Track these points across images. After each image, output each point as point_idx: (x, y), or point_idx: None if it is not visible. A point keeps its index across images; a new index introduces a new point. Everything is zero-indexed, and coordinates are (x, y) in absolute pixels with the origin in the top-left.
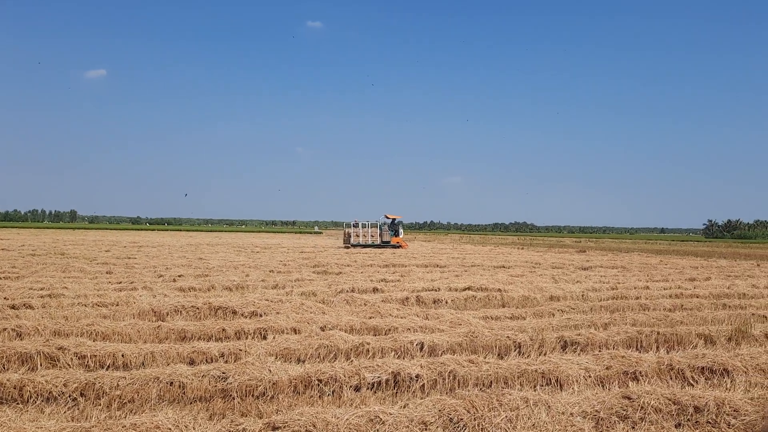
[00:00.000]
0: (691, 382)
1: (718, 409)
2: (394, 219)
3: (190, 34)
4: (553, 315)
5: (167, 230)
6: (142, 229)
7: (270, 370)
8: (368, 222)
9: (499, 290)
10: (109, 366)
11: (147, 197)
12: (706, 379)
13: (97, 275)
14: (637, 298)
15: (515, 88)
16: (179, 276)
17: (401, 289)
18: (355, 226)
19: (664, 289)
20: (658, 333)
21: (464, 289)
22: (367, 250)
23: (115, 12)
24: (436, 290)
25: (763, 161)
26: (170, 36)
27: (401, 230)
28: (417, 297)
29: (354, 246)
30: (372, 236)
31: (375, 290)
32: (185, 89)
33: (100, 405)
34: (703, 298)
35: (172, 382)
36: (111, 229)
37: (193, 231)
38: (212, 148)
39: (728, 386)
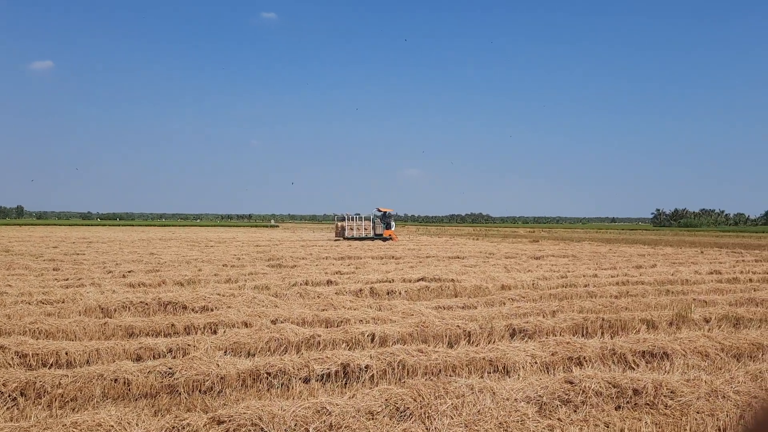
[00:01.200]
0: (633, 365)
1: (656, 391)
2: (385, 212)
3: (139, 24)
4: (504, 304)
5: (119, 225)
6: (92, 225)
7: (218, 365)
8: (362, 215)
9: (453, 280)
10: (51, 364)
11: (98, 192)
12: (646, 363)
13: (43, 272)
14: (586, 285)
15: (470, 80)
16: (129, 272)
17: (355, 281)
18: (350, 219)
19: (612, 276)
20: (603, 319)
21: (418, 280)
22: (361, 243)
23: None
24: (390, 282)
25: (709, 152)
26: (120, 27)
27: (393, 223)
28: (371, 289)
29: (348, 239)
30: (365, 229)
31: (329, 283)
32: (136, 81)
33: (41, 404)
34: (648, 285)
35: (116, 379)
36: (60, 225)
37: (145, 226)
38: (165, 142)
39: (667, 369)
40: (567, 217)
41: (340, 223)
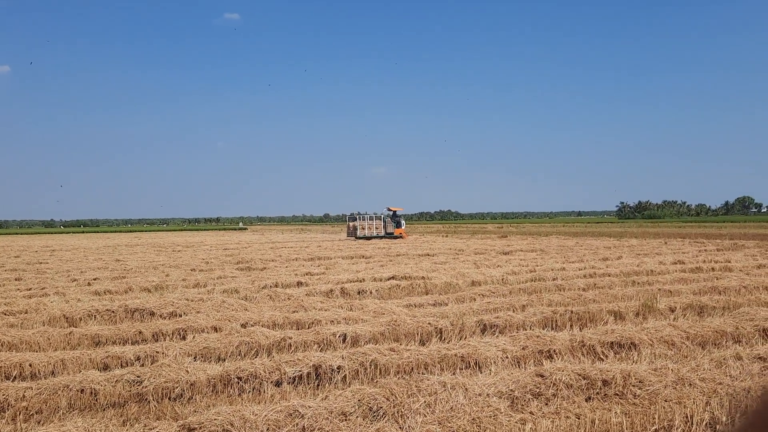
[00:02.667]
0: (602, 357)
1: (624, 381)
2: (395, 211)
3: (99, 26)
4: (474, 300)
5: (83, 233)
6: (56, 233)
7: (188, 371)
8: (374, 215)
9: (423, 278)
10: (15, 377)
11: (61, 199)
12: (615, 353)
13: (5, 282)
14: (554, 279)
15: (436, 77)
16: (94, 279)
17: (326, 281)
18: (361, 218)
19: (579, 269)
20: (572, 312)
21: (389, 279)
22: (362, 242)
23: (19, 6)
24: (360, 281)
25: (670, 145)
26: (80, 30)
27: (403, 222)
28: (341, 289)
29: (360, 238)
30: (377, 228)
31: (299, 284)
32: (96, 85)
33: (4, 418)
34: (615, 277)
35: (83, 390)
36: (21, 234)
37: (111, 232)
38: (129, 146)
39: (635, 359)
40: (534, 212)
41: (352, 223)
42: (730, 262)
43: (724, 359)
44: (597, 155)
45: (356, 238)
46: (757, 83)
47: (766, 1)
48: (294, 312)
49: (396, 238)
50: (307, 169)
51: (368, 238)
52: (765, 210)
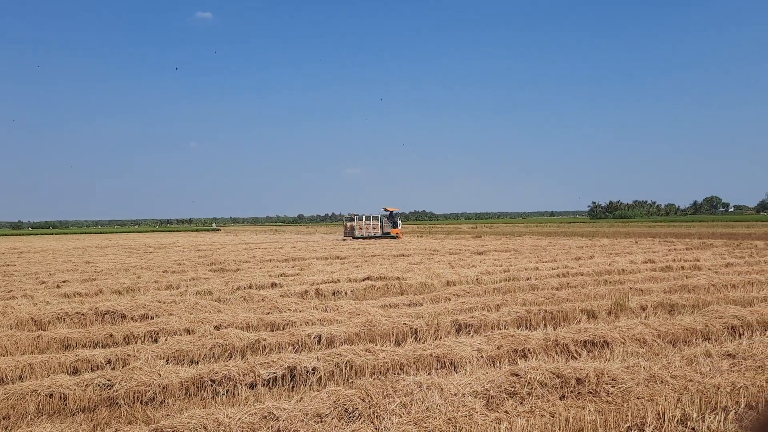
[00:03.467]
0: (575, 355)
1: (597, 379)
2: (392, 212)
3: (71, 25)
4: (449, 300)
5: (52, 234)
6: (23, 234)
7: (160, 374)
8: (370, 215)
9: (398, 278)
10: None
11: (29, 200)
12: (588, 352)
13: None
14: (528, 279)
15: (409, 77)
16: (64, 281)
17: (300, 282)
18: (359, 219)
19: (552, 269)
20: (546, 311)
21: (364, 279)
22: (365, 242)
23: None
24: (335, 282)
25: (639, 145)
26: (50, 28)
27: (399, 222)
28: (316, 290)
29: (357, 238)
30: (374, 228)
31: (273, 285)
32: (64, 85)
33: None
34: (587, 276)
35: (52, 394)
36: None
37: (81, 234)
38: (99, 147)
39: (608, 357)
40: (508, 212)
41: (349, 224)
42: (699, 261)
43: (694, 356)
44: (569, 155)
45: (354, 238)
46: (726, 83)
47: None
48: (268, 313)
49: (393, 237)
50: (281, 170)
51: (366, 238)
52: (732, 210)
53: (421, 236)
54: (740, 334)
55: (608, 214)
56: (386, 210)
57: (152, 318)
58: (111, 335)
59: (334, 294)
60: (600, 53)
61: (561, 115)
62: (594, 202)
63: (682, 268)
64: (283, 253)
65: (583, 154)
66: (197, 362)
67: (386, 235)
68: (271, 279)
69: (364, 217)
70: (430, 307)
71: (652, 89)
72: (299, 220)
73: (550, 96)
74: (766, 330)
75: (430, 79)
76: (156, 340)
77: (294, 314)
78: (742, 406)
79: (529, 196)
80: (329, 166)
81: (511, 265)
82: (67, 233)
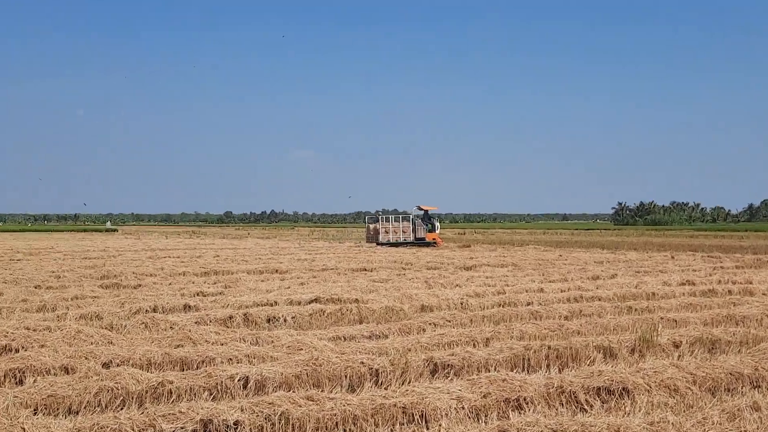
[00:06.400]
0: (585, 407)
1: None
2: (427, 210)
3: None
4: (424, 330)
5: None
6: None
7: (24, 428)
8: (399, 215)
9: (357, 301)
10: None
11: None
12: (602, 402)
13: None
14: (529, 304)
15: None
16: None
17: (224, 304)
18: (384, 220)
19: (562, 291)
20: (549, 347)
21: (310, 302)
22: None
23: None
24: (272, 305)
25: (681, 134)
26: None
27: (437, 224)
28: (245, 315)
29: (382, 245)
30: (404, 232)
31: (187, 308)
32: None
33: None
34: (606, 301)
35: None
36: None
37: None
38: None
39: (627, 410)
40: (507, 214)
41: (372, 225)
42: (751, 283)
43: (738, 410)
44: (589, 144)
45: (378, 243)
46: None
47: None
48: (178, 346)
49: (429, 245)
50: (203, 152)
51: (393, 245)
52: None
53: None
54: None
55: (638, 218)
56: (420, 209)
57: (17, 351)
58: None
59: (269, 321)
60: (626, 34)
61: (578, 98)
62: (620, 204)
63: (730, 292)
64: (202, 264)
65: (606, 141)
66: (77, 412)
67: (419, 242)
68: (184, 299)
69: (392, 217)
70: (398, 341)
71: (696, 69)
72: (226, 219)
73: (567, 75)
74: None
75: (411, 42)
76: (21, 382)
77: (213, 348)
78: None
79: (534, 193)
80: (271, 148)
81: (507, 286)
82: None
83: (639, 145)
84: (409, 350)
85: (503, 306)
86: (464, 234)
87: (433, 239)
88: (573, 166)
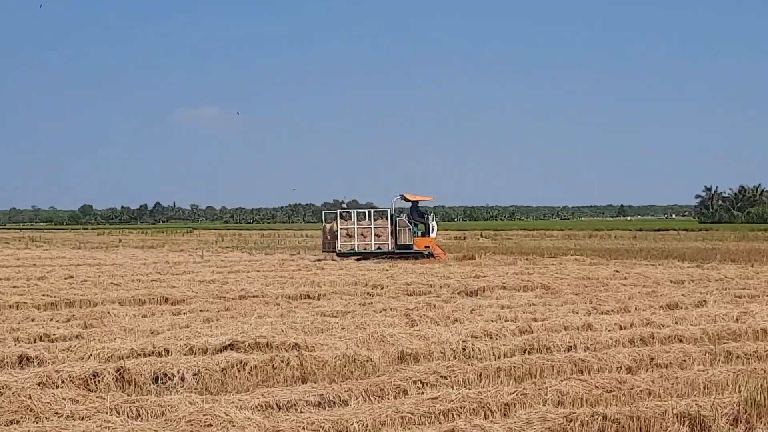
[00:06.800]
0: None
1: None
2: (416, 202)
3: None
4: (406, 392)
5: None
6: None
7: None
8: (371, 210)
9: (298, 347)
10: None
11: None
12: None
13: None
14: (570, 348)
15: None
16: None
17: (84, 354)
18: (347, 216)
19: (621, 328)
20: (605, 418)
21: (223, 349)
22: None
23: None
24: (160, 354)
25: None
26: None
27: (434, 224)
28: (118, 370)
29: (343, 256)
30: (378, 236)
31: (26, 360)
32: None
33: None
34: (691, 342)
35: None
36: None
37: None
38: None
39: None
40: (531, 207)
41: (329, 226)
42: None
43: None
44: (655, 109)
45: (338, 254)
46: None
47: None
48: (11, 423)
49: (423, 255)
50: (40, 121)
51: (358, 255)
52: None
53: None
54: None
55: (736, 212)
56: (405, 199)
57: None
58: None
59: (157, 380)
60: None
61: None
62: (708, 189)
63: None
64: (46, 289)
65: (681, 107)
66: None
67: (404, 251)
68: (20, 347)
69: (357, 213)
70: (364, 409)
71: None
72: (83, 217)
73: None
74: None
75: None
76: None
77: (68, 424)
78: None
79: (574, 177)
80: (148, 105)
81: (535, 320)
82: None
83: (731, 107)
84: (383, 425)
85: (530, 352)
86: (464, 239)
87: (428, 247)
88: (631, 137)
